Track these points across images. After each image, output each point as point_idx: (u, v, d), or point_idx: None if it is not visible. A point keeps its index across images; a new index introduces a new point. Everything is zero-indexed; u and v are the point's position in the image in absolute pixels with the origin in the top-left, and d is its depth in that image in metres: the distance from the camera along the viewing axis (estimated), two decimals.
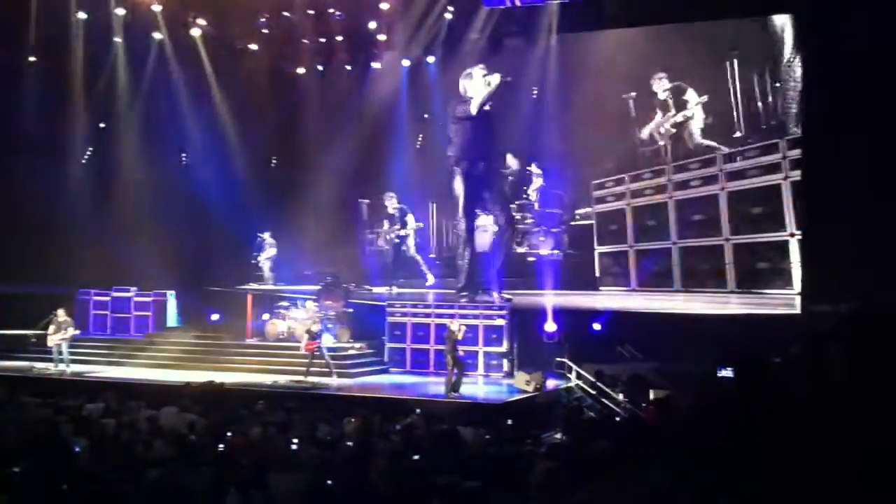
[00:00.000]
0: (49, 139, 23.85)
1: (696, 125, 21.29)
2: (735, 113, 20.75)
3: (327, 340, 20.17)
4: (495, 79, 20.25)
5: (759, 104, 20.38)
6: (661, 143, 21.84)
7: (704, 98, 21.01)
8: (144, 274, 23.64)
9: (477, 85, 20.49)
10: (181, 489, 7.62)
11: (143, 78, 25.10)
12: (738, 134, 20.66)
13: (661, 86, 21.73)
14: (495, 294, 20.76)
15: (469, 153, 20.58)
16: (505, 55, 23.04)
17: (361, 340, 21.18)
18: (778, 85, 20.01)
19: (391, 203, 24.15)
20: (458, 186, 20.86)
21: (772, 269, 19.55)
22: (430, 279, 23.83)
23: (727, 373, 13.88)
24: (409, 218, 24.20)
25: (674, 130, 21.62)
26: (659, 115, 21.84)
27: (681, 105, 21.46)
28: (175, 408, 13.10)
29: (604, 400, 16.81)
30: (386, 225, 24.18)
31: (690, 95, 21.36)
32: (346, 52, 25.29)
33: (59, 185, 23.69)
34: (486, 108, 20.51)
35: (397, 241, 24.04)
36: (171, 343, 22.19)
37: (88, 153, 26.18)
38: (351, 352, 20.57)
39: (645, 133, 21.95)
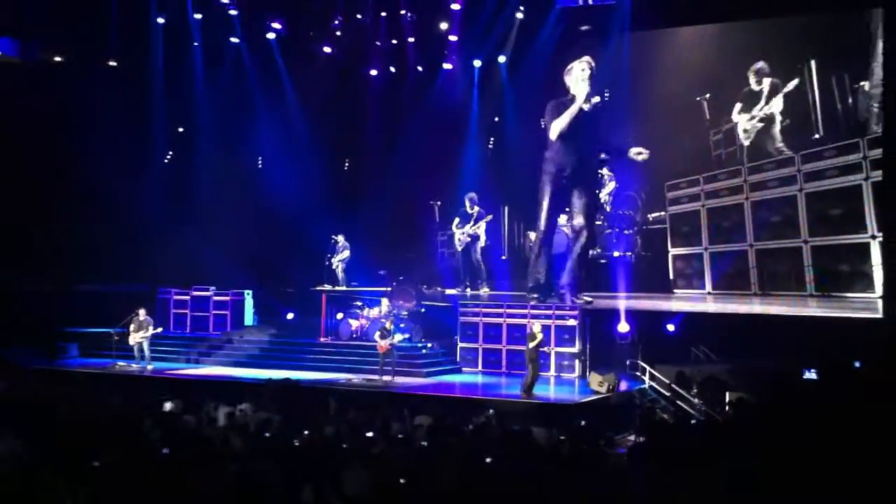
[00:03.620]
0: (129, 143, 24.47)
1: (777, 128, 20.89)
2: (814, 114, 20.29)
3: (397, 338, 20.30)
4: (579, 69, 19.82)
5: (839, 105, 19.89)
6: (745, 141, 21.45)
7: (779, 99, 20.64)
8: (222, 273, 24.12)
9: (575, 81, 20.11)
10: (257, 485, 7.74)
11: (219, 81, 25.63)
12: (817, 136, 20.20)
13: (756, 77, 21.16)
14: (573, 298, 20.44)
15: (559, 154, 20.22)
16: (577, 55, 22.91)
17: (433, 340, 21.24)
18: (858, 85, 19.51)
19: (469, 203, 24.05)
20: (543, 187, 20.51)
21: (852, 272, 19.05)
22: (486, 290, 23.66)
23: (811, 375, 13.61)
24: (482, 222, 24.14)
25: (760, 125, 21.10)
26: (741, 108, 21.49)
27: (770, 101, 21.01)
28: (251, 405, 13.35)
29: (678, 402, 16.58)
30: (456, 221, 24.13)
31: (779, 98, 20.91)
32: (417, 53, 25.42)
33: (140, 188, 24.30)
34: (584, 107, 19.96)
35: (468, 239, 24.00)
36: (247, 341, 22.58)
37: (169, 156, 26.84)
38: (423, 351, 20.65)
39: (740, 127, 21.52)
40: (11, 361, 20.23)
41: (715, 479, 6.80)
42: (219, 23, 24.45)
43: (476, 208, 24.00)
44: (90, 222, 23.96)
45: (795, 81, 20.37)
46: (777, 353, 15.85)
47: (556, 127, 19.86)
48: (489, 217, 24.02)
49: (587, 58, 20.22)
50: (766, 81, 21.04)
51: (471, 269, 24.42)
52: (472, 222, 23.97)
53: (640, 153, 19.64)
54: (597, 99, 19.60)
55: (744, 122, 21.44)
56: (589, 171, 21.08)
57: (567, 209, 22.49)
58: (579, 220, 20.78)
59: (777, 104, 20.73)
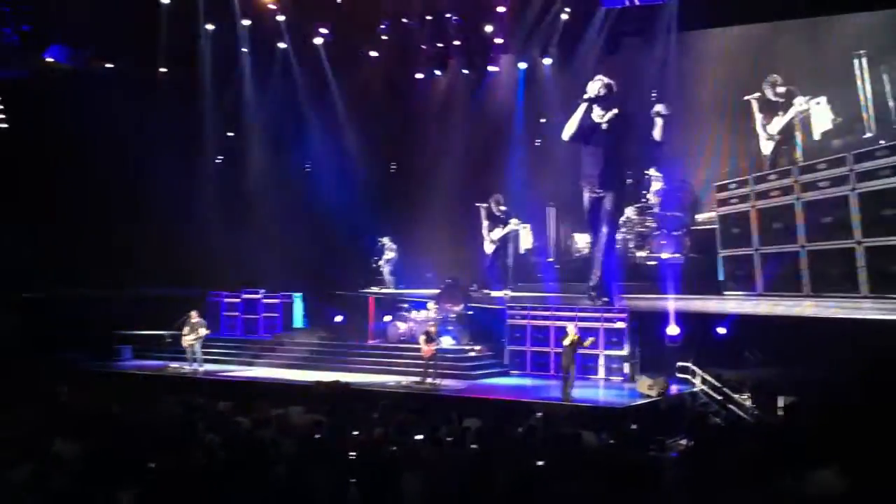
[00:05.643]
0: (180, 148, 24.86)
1: (819, 128, 20.70)
2: (865, 112, 19.96)
3: (446, 342, 20.36)
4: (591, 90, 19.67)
5: (891, 102, 19.55)
6: (766, 151, 21.57)
7: (818, 100, 20.44)
8: (272, 276, 24.38)
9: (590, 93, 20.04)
10: (308, 487, 7.81)
11: (268, 87, 25.93)
12: (868, 134, 19.86)
13: (773, 90, 21.26)
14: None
15: (586, 170, 20.26)
16: (623, 55, 22.80)
17: (481, 343, 21.22)
18: None
19: (496, 205, 23.98)
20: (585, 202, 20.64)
21: None
22: (500, 293, 23.47)
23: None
24: (514, 222, 23.98)
25: (778, 137, 21.30)
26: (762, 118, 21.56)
27: (788, 109, 21.15)
28: (301, 407, 13.47)
29: (730, 406, 16.39)
30: (485, 224, 24.07)
31: (799, 102, 20.82)
32: (463, 55, 25.50)
33: (190, 193, 24.66)
34: (602, 123, 19.83)
35: (497, 244, 23.91)
36: (297, 343, 22.80)
37: (219, 160, 27.22)
38: (471, 354, 20.66)
39: (763, 138, 21.56)
40: (68, 364, 20.66)
41: (766, 484, 6.74)
42: (266, 29, 24.75)
43: (503, 209, 23.86)
44: (142, 227, 24.39)
45: (805, 105, 20.62)
46: (831, 357, 15.58)
47: (566, 130, 19.83)
48: (514, 221, 23.84)
49: (603, 77, 19.93)
50: (782, 90, 21.10)
51: (497, 271, 24.28)
52: (500, 225, 23.82)
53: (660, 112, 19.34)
54: (613, 112, 19.37)
55: (765, 132, 21.62)
56: (615, 183, 20.78)
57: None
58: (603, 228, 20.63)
59: (798, 111, 20.88)
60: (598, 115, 19.57)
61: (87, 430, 10.07)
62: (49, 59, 23.83)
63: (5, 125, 24.93)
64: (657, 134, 19.40)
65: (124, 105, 23.57)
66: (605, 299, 20.22)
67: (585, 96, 19.29)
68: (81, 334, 22.78)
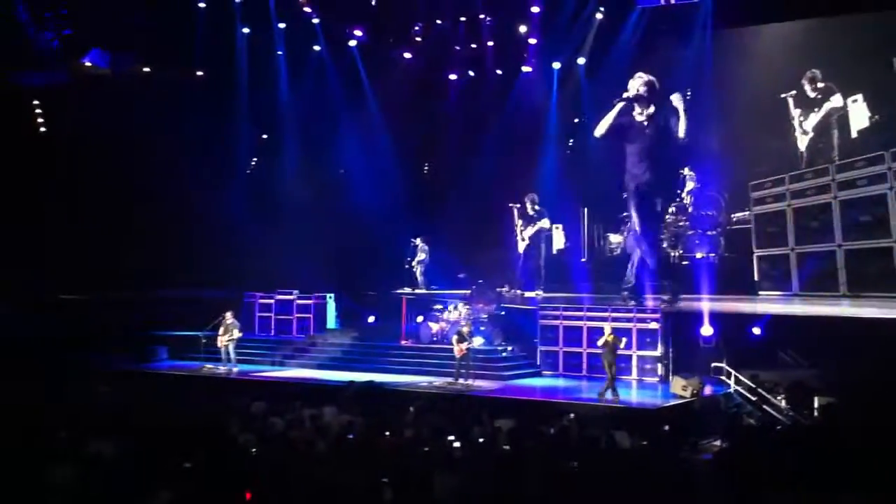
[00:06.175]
0: (216, 151, 25.12)
1: (856, 126, 20.46)
2: None
3: (477, 342, 20.35)
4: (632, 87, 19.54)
5: None
6: (802, 148, 21.36)
7: (855, 98, 20.18)
8: (305, 277, 24.51)
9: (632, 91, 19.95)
10: (341, 487, 7.85)
11: (302, 89, 26.10)
12: None
13: (812, 85, 21.08)
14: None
15: (631, 169, 20.23)
16: (658, 55, 22.63)
17: (513, 343, 21.18)
18: None
19: (531, 204, 23.90)
20: (628, 200, 20.65)
21: None
22: (532, 293, 23.46)
23: None
24: (544, 221, 23.87)
25: (812, 134, 21.15)
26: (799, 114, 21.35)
27: (825, 105, 20.99)
28: (335, 407, 13.54)
29: (765, 407, 16.22)
30: (518, 224, 24.00)
31: (836, 99, 20.57)
32: (496, 56, 25.47)
33: (226, 195, 24.86)
34: (643, 120, 19.72)
35: (527, 241, 23.83)
36: (330, 344, 22.92)
37: (254, 163, 27.44)
38: (503, 354, 20.65)
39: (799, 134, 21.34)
40: (105, 365, 20.92)
41: (803, 485, 6.70)
42: (302, 32, 24.93)
43: (537, 208, 23.78)
44: (178, 229, 24.66)
45: (841, 103, 20.37)
46: (868, 357, 15.39)
47: (599, 126, 19.74)
48: (544, 221, 23.75)
49: (644, 75, 19.79)
50: (821, 86, 20.89)
51: (528, 271, 24.20)
52: (532, 225, 23.76)
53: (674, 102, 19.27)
54: (653, 111, 19.26)
55: (800, 129, 21.46)
56: (661, 183, 20.71)
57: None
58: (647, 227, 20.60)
59: (835, 108, 20.67)
60: (638, 113, 19.49)
61: (124, 429, 10.20)
62: (88, 64, 24.13)
63: (44, 129, 25.35)
64: (681, 130, 19.32)
65: (160, 107, 23.86)
66: (636, 301, 20.13)
67: (625, 94, 19.20)
68: (118, 335, 23.06)
